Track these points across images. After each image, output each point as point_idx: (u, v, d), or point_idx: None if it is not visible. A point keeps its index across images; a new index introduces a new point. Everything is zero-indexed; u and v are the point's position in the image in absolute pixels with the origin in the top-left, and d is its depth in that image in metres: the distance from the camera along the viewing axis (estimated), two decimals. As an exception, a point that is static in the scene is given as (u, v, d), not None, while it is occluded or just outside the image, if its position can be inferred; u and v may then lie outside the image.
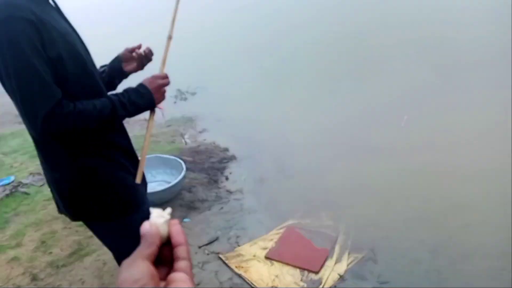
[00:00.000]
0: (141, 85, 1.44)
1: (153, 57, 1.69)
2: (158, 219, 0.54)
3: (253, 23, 8.69)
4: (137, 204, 1.55)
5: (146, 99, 1.42)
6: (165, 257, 0.53)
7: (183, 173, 3.43)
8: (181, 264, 0.51)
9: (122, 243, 1.19)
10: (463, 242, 2.80)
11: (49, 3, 1.33)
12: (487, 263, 2.61)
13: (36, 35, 1.16)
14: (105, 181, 1.47)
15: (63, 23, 1.33)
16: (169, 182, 3.42)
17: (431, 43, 6.29)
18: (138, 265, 0.48)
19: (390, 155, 3.93)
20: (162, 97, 1.49)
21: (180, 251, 0.52)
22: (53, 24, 1.23)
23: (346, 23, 7.78)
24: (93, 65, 1.45)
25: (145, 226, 0.53)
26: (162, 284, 0.49)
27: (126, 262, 0.49)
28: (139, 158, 1.55)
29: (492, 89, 4.58)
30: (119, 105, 1.36)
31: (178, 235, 0.54)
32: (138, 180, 1.43)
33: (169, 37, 1.59)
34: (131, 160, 1.55)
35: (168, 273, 0.51)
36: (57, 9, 1.37)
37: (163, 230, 0.53)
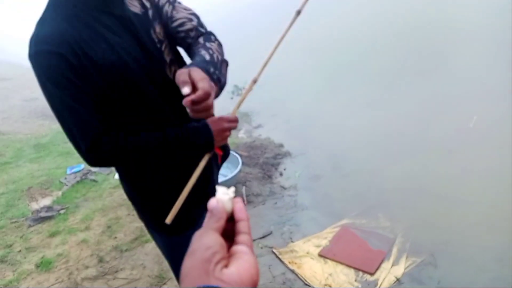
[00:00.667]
0: (203, 124, 1.27)
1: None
2: (223, 196, 0.58)
3: (310, 19, 8.59)
4: (196, 219, 1.47)
5: (204, 140, 1.25)
6: (228, 232, 0.56)
7: (239, 167, 3.50)
8: (242, 237, 0.54)
9: (180, 256, 1.08)
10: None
11: (108, 14, 1.15)
12: None
13: (66, 67, 1.06)
14: (164, 197, 1.35)
15: (116, 40, 1.15)
16: (225, 176, 3.51)
17: (501, 35, 5.80)
18: (209, 235, 0.52)
19: (452, 155, 3.71)
20: (223, 141, 1.31)
21: (242, 226, 0.56)
22: (93, 48, 1.09)
23: (407, 16, 7.43)
24: (155, 83, 1.24)
25: (213, 202, 0.56)
26: (227, 254, 0.52)
27: (197, 234, 0.53)
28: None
29: None
30: (174, 143, 1.24)
31: (240, 212, 0.57)
32: (168, 220, 1.18)
33: (254, 80, 1.38)
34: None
35: (231, 247, 0.54)
36: (120, 18, 1.17)
37: (228, 207, 0.57)
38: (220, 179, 3.51)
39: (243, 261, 0.51)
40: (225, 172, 3.69)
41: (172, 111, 1.29)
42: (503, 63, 4.93)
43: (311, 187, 3.72)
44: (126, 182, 1.46)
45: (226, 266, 0.50)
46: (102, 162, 1.20)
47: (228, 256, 0.52)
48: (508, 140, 3.65)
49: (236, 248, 0.53)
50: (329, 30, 7.83)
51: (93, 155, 1.16)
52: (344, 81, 5.85)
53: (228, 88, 6.28)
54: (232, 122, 1.31)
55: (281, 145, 4.48)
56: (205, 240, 0.51)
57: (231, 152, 3.80)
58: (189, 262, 0.50)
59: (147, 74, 1.21)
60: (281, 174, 3.95)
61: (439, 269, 2.61)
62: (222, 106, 5.80)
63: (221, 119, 1.29)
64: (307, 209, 3.39)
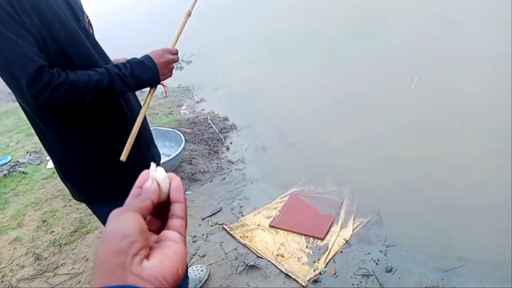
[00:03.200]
0: (147, 57, 1.30)
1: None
2: (159, 174, 0.50)
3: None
4: None
5: (151, 74, 1.28)
6: (163, 209, 0.49)
7: (182, 145, 3.34)
8: (175, 222, 0.47)
9: None
10: (470, 202, 2.74)
11: None
12: (495, 222, 2.56)
13: (6, 2, 1.07)
14: (107, 160, 1.37)
15: None
16: (169, 155, 3.34)
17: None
18: (128, 218, 0.42)
19: (393, 117, 3.82)
20: (169, 74, 1.36)
21: (177, 208, 0.48)
22: None
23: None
24: (84, 29, 1.28)
25: (143, 176, 0.50)
26: (154, 238, 0.45)
27: (116, 213, 0.43)
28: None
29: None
30: (118, 78, 1.22)
31: (177, 191, 0.50)
32: (122, 157, 1.24)
33: (188, 14, 1.52)
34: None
35: (163, 226, 0.47)
36: None
37: (165, 186, 0.49)
38: (164, 159, 3.36)
39: (169, 251, 0.43)
40: (168, 151, 3.53)
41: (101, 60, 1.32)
42: (440, 23, 5.09)
43: (259, 159, 3.67)
44: (64, 150, 1.33)
45: (147, 257, 0.41)
46: (48, 99, 1.13)
47: (157, 240, 0.44)
48: (448, 98, 3.81)
49: (166, 234, 0.45)
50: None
51: (35, 91, 1.10)
52: (286, 50, 5.78)
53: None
54: (175, 54, 1.37)
55: (225, 119, 4.37)
56: (122, 224, 0.41)
57: (173, 130, 3.63)
58: (103, 252, 0.40)
59: (77, 23, 1.24)
60: (227, 149, 3.85)
61: (385, 227, 2.70)
62: (168, 87, 5.53)
63: (165, 50, 1.33)
64: (256, 182, 3.34)
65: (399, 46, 4.95)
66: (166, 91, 1.61)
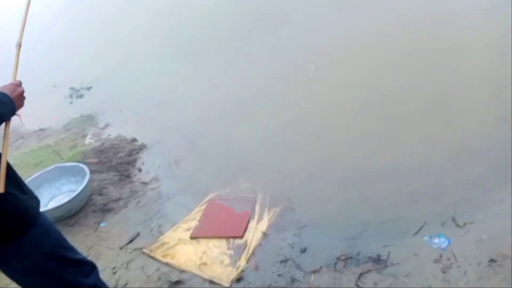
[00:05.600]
0: (1, 94, 1.38)
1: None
2: None
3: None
4: (33, 217, 1.50)
5: (10, 108, 1.39)
6: None
7: (87, 178, 3.23)
8: None
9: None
10: (367, 170, 3.00)
11: None
12: (389, 184, 2.85)
13: None
14: None
15: None
16: (75, 191, 3.21)
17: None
18: None
19: (294, 106, 4.00)
20: (22, 104, 1.48)
21: None
22: None
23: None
24: None
25: None
26: None
27: None
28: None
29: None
30: None
31: None
32: (1, 189, 1.32)
33: (19, 45, 1.62)
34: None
35: None
36: None
37: None
38: (70, 195, 3.22)
39: None
40: (76, 187, 3.37)
41: None
42: (337, 16, 5.28)
43: (173, 173, 3.66)
44: None
45: None
46: None
47: None
48: (345, 85, 3.98)
49: None
50: (165, 8, 7.49)
51: None
52: (186, 59, 5.75)
53: (64, 93, 5.60)
54: (21, 85, 1.49)
55: (134, 140, 4.27)
56: None
57: (77, 164, 3.49)
58: None
59: None
60: (139, 170, 3.79)
61: (296, 211, 2.87)
62: (61, 110, 5.25)
63: (14, 84, 1.46)
64: (173, 197, 3.34)
65: (300, 39, 5.06)
66: (21, 120, 1.73)
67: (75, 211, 3.19)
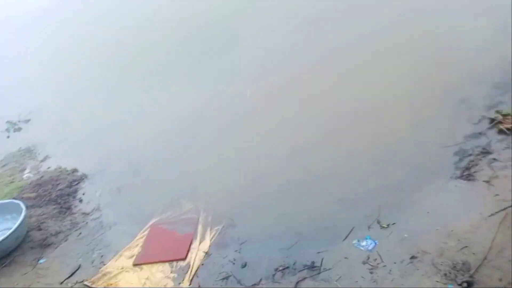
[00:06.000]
0: None
1: None
2: None
3: (78, 28, 7.98)
4: None
5: None
6: None
7: (23, 215, 3.13)
8: None
9: None
10: (301, 183, 3.16)
11: None
12: (319, 194, 3.03)
13: None
14: None
15: None
16: (10, 228, 3.10)
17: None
18: None
19: (233, 128, 4.07)
20: None
21: None
22: None
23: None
24: None
25: None
26: None
27: None
28: None
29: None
30: None
31: None
32: None
33: None
34: None
35: None
36: None
37: None
38: (4, 233, 3.11)
39: None
40: (11, 224, 3.25)
41: None
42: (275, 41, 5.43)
43: (115, 201, 3.63)
44: None
45: None
46: None
47: None
48: (280, 105, 4.11)
49: None
50: (107, 36, 7.38)
51: None
52: (128, 85, 5.71)
53: (1, 126, 5.36)
54: None
55: (75, 170, 4.19)
56: None
57: (11, 200, 3.38)
58: None
59: None
60: (80, 201, 3.72)
61: (238, 228, 2.97)
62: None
63: None
64: (115, 225, 3.32)
65: (242, 63, 5.15)
66: None
67: (13, 249, 3.07)
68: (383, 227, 2.65)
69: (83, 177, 4.07)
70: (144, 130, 4.60)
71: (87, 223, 3.38)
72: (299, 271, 2.51)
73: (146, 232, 3.14)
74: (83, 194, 3.81)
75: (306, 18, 5.32)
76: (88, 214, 3.49)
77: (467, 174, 2.75)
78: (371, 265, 2.45)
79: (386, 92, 3.57)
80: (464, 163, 2.84)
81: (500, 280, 2.17)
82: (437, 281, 2.26)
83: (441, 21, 4.25)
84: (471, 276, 2.23)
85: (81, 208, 3.61)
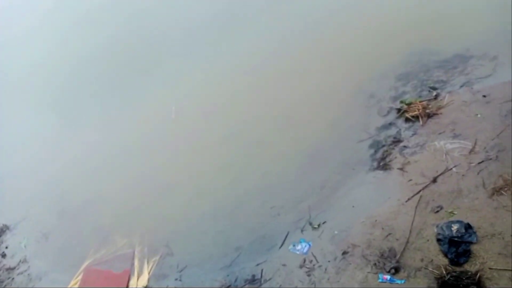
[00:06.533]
0: None
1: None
2: None
3: None
4: None
5: None
6: None
7: None
8: None
9: None
10: (233, 198, 3.17)
11: None
12: (257, 205, 3.06)
13: None
14: None
15: None
16: None
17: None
18: None
19: (160, 151, 3.93)
20: None
21: None
22: None
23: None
24: None
25: None
26: None
27: None
28: None
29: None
30: None
31: None
32: None
33: None
34: None
35: None
36: None
37: None
38: None
39: None
40: None
41: None
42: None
43: (42, 249, 3.38)
44: None
45: None
46: None
47: None
48: (204, 123, 4.03)
49: None
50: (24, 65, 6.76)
51: None
52: (44, 121, 5.31)
53: None
54: None
55: (-7, 223, 3.83)
56: None
57: None
58: None
59: None
60: (3, 256, 3.41)
61: (176, 255, 2.91)
62: None
63: None
64: (46, 275, 3.10)
65: (167, 81, 4.96)
66: None
67: None
68: (315, 227, 2.75)
69: (4, 229, 3.73)
70: (65, 167, 4.31)
71: (13, 279, 3.12)
72: (241, 287, 2.52)
73: (80, 277, 2.96)
74: (6, 247, 3.50)
75: (223, 31, 5.33)
76: (13, 268, 3.22)
77: (383, 164, 2.94)
78: (308, 268, 2.53)
79: (303, 96, 3.72)
80: (379, 154, 3.04)
81: (422, 260, 2.35)
82: (368, 272, 2.39)
83: (346, 22, 4.49)
84: (397, 262, 2.38)
85: (4, 264, 3.31)
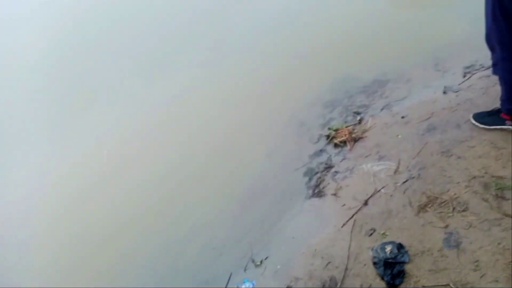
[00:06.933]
0: None
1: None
2: None
3: None
4: None
5: None
6: None
7: None
8: None
9: None
10: (172, 240, 3.05)
11: None
12: (198, 246, 2.97)
13: None
14: None
15: None
16: None
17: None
18: None
19: (95, 195, 3.75)
20: None
21: None
22: None
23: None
24: None
25: None
26: None
27: None
28: None
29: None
30: None
31: None
32: None
33: None
34: None
35: None
36: None
37: None
38: None
39: None
40: None
41: None
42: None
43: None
44: None
45: None
46: None
47: None
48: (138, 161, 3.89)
49: None
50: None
51: None
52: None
53: None
54: None
55: None
56: None
57: None
58: None
59: None
60: None
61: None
62: None
63: None
64: None
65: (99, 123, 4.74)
66: None
67: None
68: (257, 264, 2.71)
69: None
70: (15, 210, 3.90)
71: None
72: None
73: None
74: None
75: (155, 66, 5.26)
76: None
77: (317, 192, 3.01)
78: (253, 308, 2.47)
79: (237, 128, 3.73)
80: (313, 182, 3.11)
81: (361, 286, 2.39)
82: (311, 306, 2.38)
83: (273, 51, 4.65)
84: (338, 290, 2.41)
85: None
